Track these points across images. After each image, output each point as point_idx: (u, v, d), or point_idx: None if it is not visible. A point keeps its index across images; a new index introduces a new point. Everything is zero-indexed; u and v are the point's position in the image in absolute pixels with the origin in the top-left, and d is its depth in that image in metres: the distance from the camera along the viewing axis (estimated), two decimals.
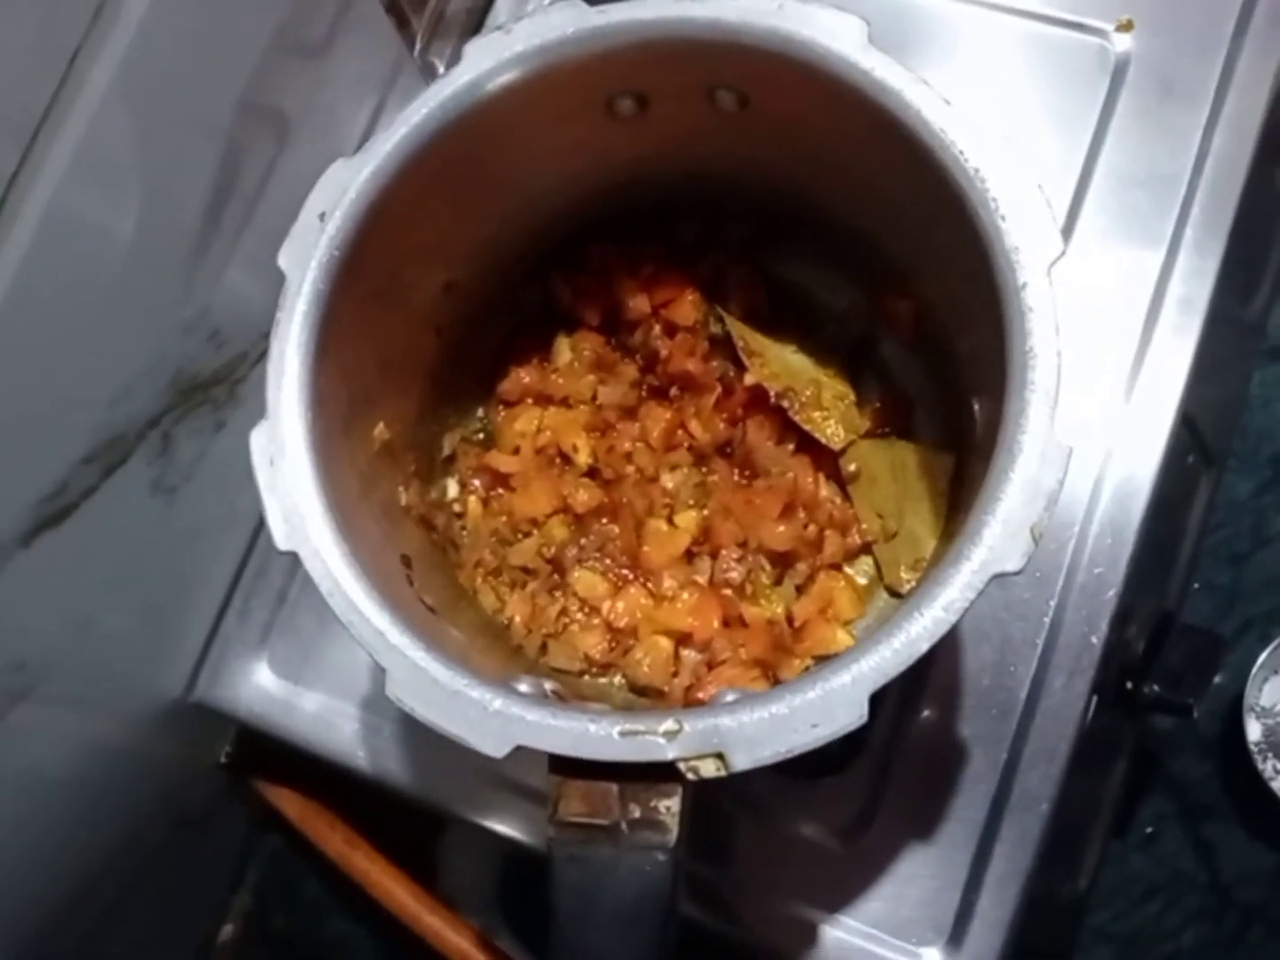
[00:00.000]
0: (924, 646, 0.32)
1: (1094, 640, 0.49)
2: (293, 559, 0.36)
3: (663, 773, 0.33)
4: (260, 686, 0.55)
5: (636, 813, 0.33)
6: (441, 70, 0.62)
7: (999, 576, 0.33)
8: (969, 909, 0.48)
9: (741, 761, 0.32)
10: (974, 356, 0.42)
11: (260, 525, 0.57)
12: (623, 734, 0.33)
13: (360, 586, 0.36)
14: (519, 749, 0.33)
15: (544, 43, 0.39)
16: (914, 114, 0.37)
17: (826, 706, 0.32)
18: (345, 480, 0.39)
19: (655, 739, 0.32)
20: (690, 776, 0.32)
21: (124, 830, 0.60)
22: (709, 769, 0.32)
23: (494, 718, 0.33)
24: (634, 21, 0.39)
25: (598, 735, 0.33)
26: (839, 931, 0.49)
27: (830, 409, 0.48)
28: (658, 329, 0.49)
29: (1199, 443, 0.61)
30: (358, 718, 0.54)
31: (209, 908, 0.75)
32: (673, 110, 0.43)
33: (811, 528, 0.47)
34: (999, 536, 0.33)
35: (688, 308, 0.49)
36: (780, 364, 0.49)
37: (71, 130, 0.41)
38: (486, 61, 0.39)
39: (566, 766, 0.33)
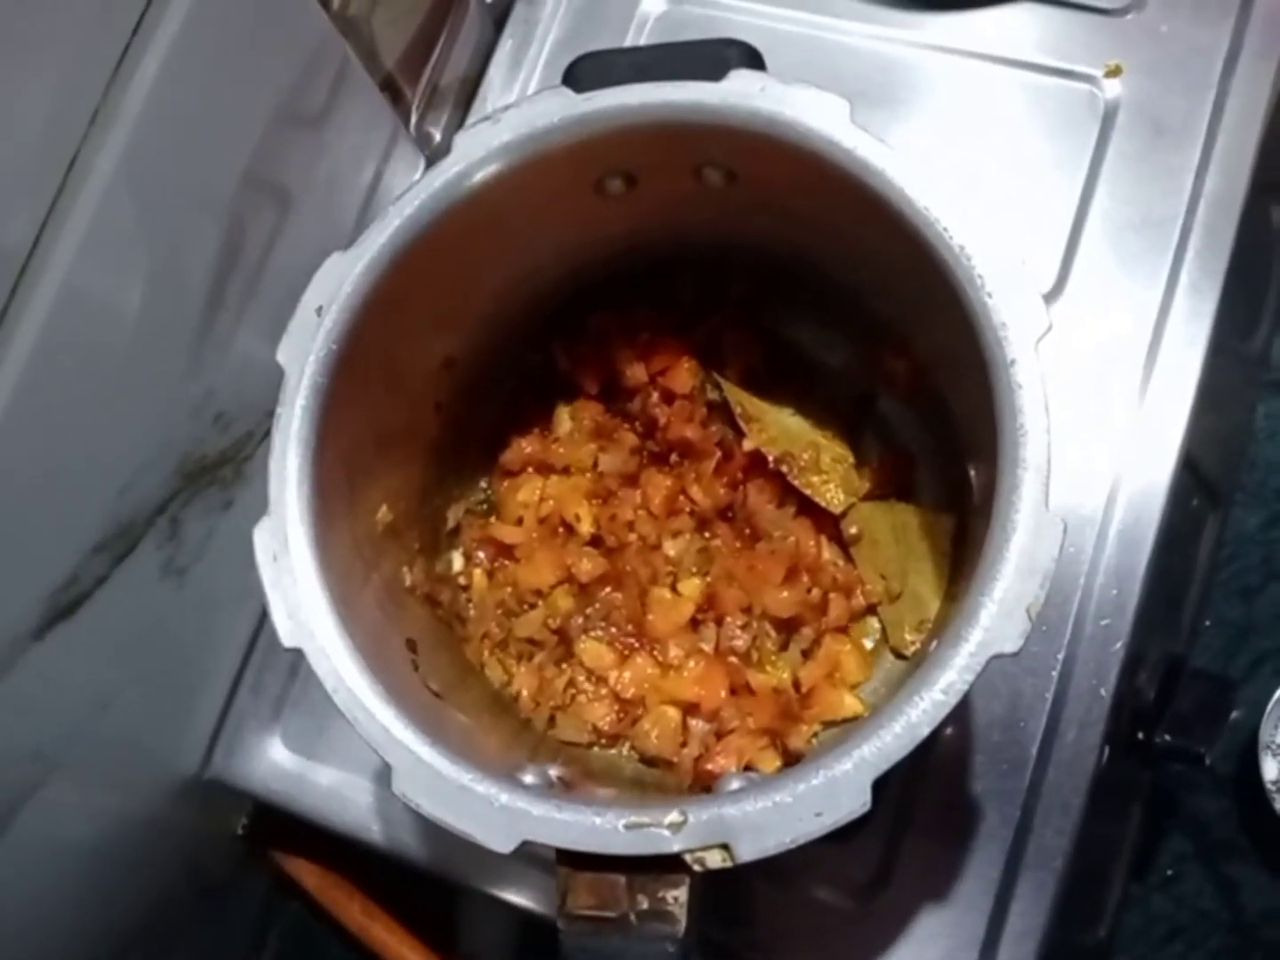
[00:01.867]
0: (925, 731, 0.32)
1: (1103, 692, 0.49)
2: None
3: (669, 864, 0.33)
4: (274, 762, 0.56)
5: (644, 904, 0.33)
6: (438, 139, 0.63)
7: (997, 658, 0.33)
8: None
9: (747, 852, 0.32)
10: (968, 416, 0.42)
11: None
12: (628, 827, 0.33)
13: (365, 681, 0.36)
14: (526, 843, 0.33)
15: (531, 131, 0.40)
16: (898, 192, 0.37)
17: (830, 794, 0.32)
18: (349, 567, 0.40)
19: (660, 831, 0.33)
20: (696, 868, 0.32)
21: (147, 901, 0.60)
22: (715, 860, 0.32)
23: (500, 813, 0.34)
24: (619, 107, 0.39)
25: (603, 828, 0.33)
26: None
27: (829, 472, 0.48)
28: (655, 396, 0.50)
29: (1203, 484, 0.61)
30: (371, 791, 0.54)
31: None
32: (661, 187, 0.43)
33: (815, 591, 0.47)
34: (995, 617, 0.33)
35: (684, 375, 0.49)
36: (778, 428, 0.49)
37: (81, 212, 0.41)
38: (476, 151, 0.40)
39: (574, 859, 0.33)
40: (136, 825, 0.56)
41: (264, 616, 0.58)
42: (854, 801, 0.32)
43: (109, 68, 0.42)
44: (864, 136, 0.37)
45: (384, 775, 0.53)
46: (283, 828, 0.60)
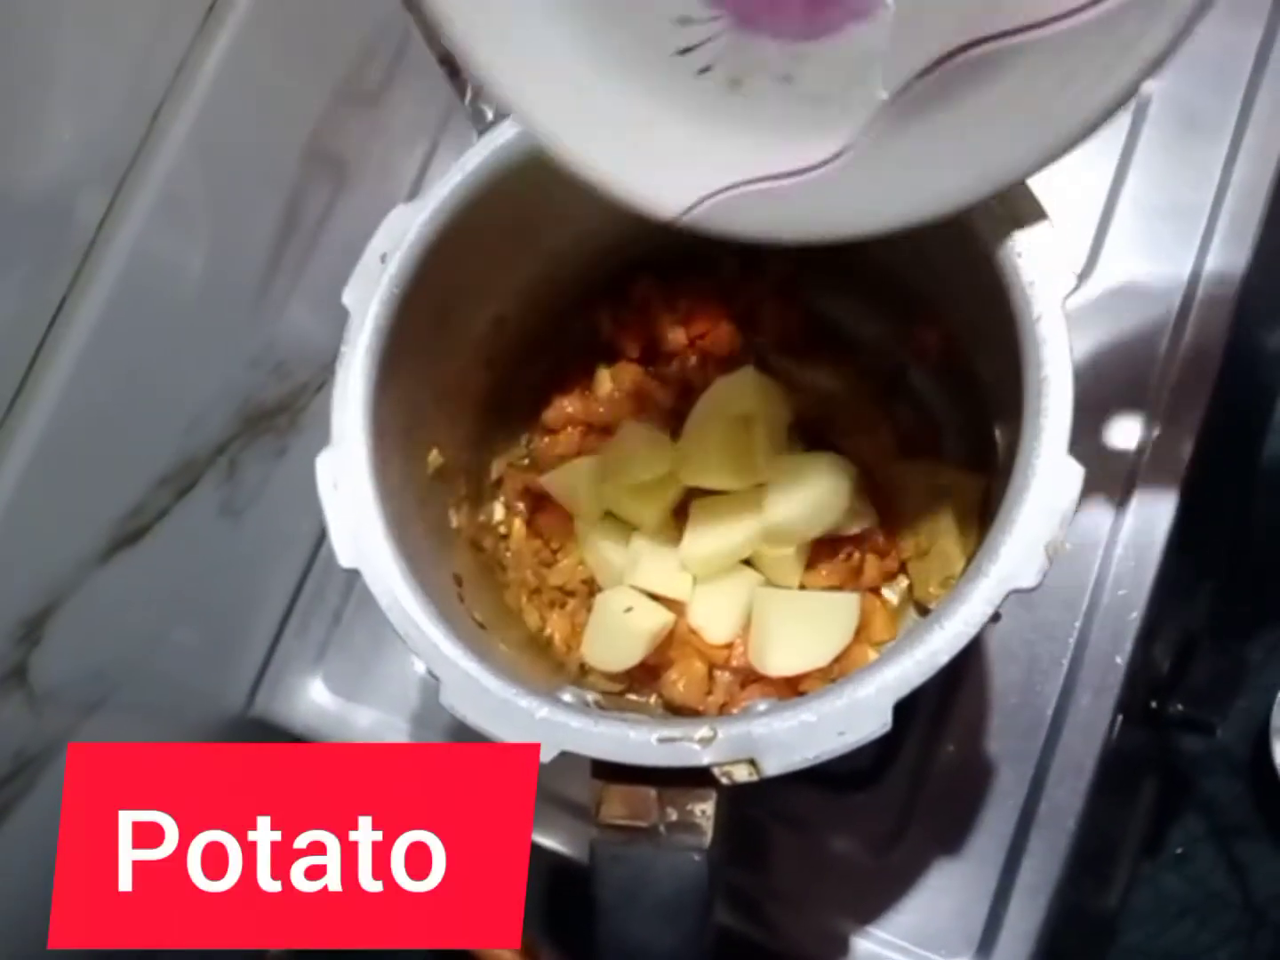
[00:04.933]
0: (944, 659, 0.34)
1: (1118, 660, 0.51)
2: (350, 578, 0.39)
3: (698, 778, 0.35)
4: (316, 703, 0.58)
5: (674, 815, 0.35)
6: (490, 117, 0.65)
7: (1016, 592, 0.34)
8: (997, 921, 0.49)
9: (772, 766, 0.34)
10: (995, 383, 0.44)
11: (317, 547, 0.60)
12: (660, 740, 0.35)
13: (416, 601, 0.38)
14: (563, 754, 0.35)
15: None
16: None
17: (853, 715, 0.34)
18: (402, 502, 0.42)
19: (691, 745, 0.35)
20: (724, 781, 0.34)
21: None
22: (741, 774, 0.34)
23: (540, 725, 0.36)
24: None
25: (637, 741, 0.35)
26: (870, 943, 0.50)
27: (867, 432, 0.50)
28: (694, 360, 0.52)
29: (1225, 465, 0.62)
30: (408, 732, 0.56)
31: None
32: None
33: (855, 556, 0.49)
34: (1016, 554, 0.35)
35: (724, 338, 0.51)
36: (816, 391, 0.51)
37: (153, 179, 0.44)
38: None
39: (608, 771, 0.35)
40: None
41: (310, 563, 0.61)
42: (875, 722, 0.34)
43: (185, 41, 0.44)
44: None
45: (421, 716, 0.56)
46: None
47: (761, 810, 0.52)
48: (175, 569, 0.51)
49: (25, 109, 0.38)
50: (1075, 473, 0.35)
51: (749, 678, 0.48)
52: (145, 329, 0.46)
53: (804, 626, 0.45)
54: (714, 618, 0.47)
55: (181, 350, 0.48)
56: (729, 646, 0.48)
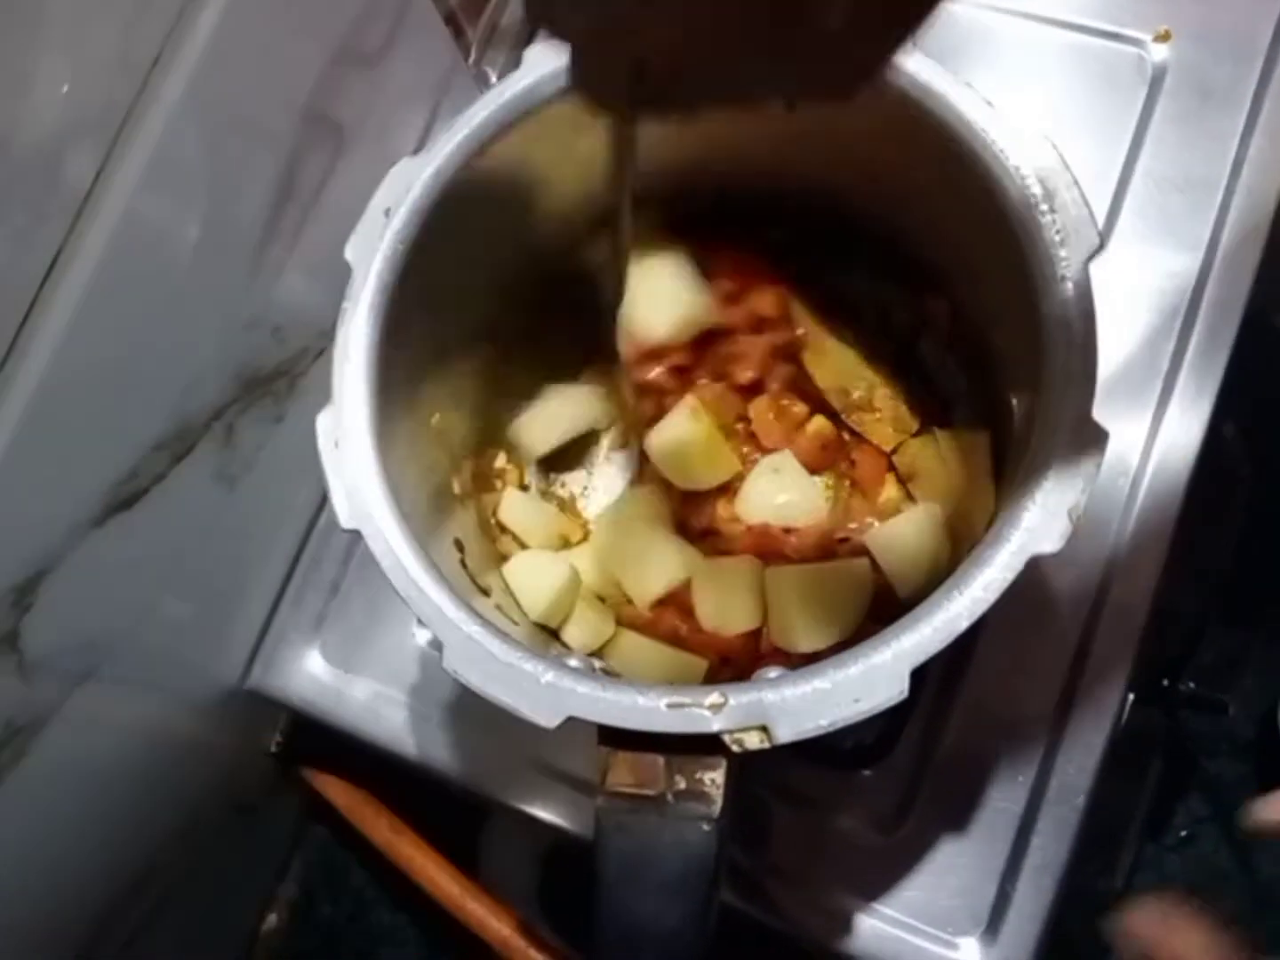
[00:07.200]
0: (964, 625, 0.33)
1: (1129, 637, 0.50)
2: (349, 547, 0.38)
3: (708, 745, 0.34)
4: (312, 674, 0.57)
5: (682, 784, 0.34)
6: (494, 79, 0.64)
7: (1037, 557, 0.33)
8: (1005, 899, 0.48)
9: (785, 734, 0.33)
10: (1012, 351, 0.43)
11: (315, 516, 0.59)
12: (670, 706, 0.34)
13: (419, 563, 0.37)
14: (570, 720, 0.34)
15: None
16: (956, 115, 0.38)
17: (868, 681, 0.33)
18: (403, 464, 0.41)
19: (701, 711, 0.34)
20: (735, 748, 0.33)
21: (179, 818, 0.62)
22: (753, 741, 0.33)
23: (546, 689, 0.35)
24: None
25: (646, 707, 0.34)
26: (876, 921, 0.49)
27: (882, 409, 0.49)
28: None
29: (1238, 445, 0.61)
30: (406, 705, 0.55)
31: (256, 897, 0.77)
32: (722, 113, 0.44)
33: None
34: (1038, 519, 0.34)
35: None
36: (838, 355, 0.50)
37: (146, 138, 0.43)
38: (545, 66, 0.41)
39: (615, 738, 0.34)
40: (175, 738, 0.57)
41: (307, 533, 0.59)
42: (891, 689, 0.33)
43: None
44: (927, 62, 0.38)
45: (420, 689, 0.55)
46: (314, 748, 0.61)
47: (765, 787, 0.52)
48: (170, 536, 0.49)
49: (17, 62, 0.37)
50: (1100, 435, 0.34)
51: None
52: (139, 289, 0.45)
53: (823, 600, 0.44)
54: (725, 611, 0.47)
55: (176, 312, 0.47)
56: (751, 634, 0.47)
